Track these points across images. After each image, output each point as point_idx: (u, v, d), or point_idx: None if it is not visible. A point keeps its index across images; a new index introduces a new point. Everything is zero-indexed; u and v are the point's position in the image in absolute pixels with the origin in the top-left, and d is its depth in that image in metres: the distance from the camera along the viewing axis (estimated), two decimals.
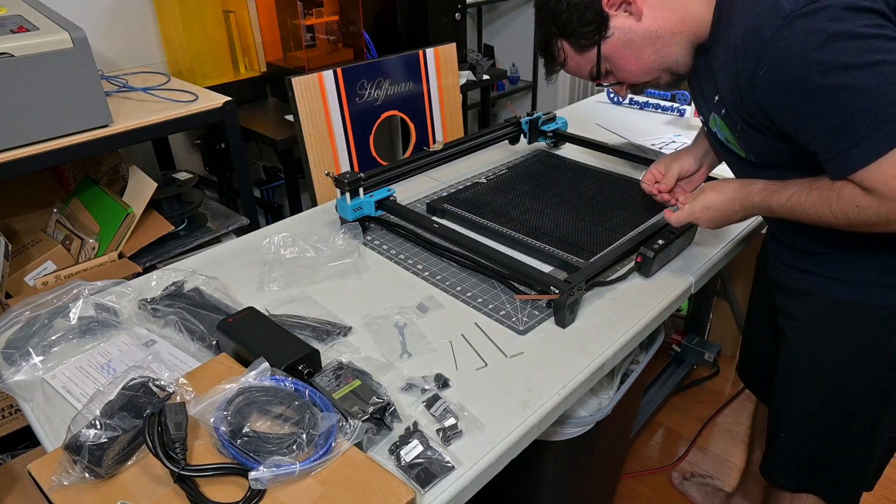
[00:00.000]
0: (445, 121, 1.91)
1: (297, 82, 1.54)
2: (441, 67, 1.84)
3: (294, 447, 0.72)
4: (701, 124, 1.26)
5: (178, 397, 0.79)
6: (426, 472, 0.76)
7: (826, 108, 0.80)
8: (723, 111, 0.97)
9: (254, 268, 1.19)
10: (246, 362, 0.86)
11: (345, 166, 1.69)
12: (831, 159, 0.83)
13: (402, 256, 1.22)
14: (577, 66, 1.05)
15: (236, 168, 1.84)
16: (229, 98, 1.73)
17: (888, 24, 0.78)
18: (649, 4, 0.96)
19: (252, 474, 0.69)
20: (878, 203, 0.81)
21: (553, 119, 1.68)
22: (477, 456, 0.80)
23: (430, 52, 1.80)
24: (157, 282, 1.13)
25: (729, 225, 1.08)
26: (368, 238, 1.29)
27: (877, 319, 0.99)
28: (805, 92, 0.81)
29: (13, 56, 1.34)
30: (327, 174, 1.33)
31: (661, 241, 1.13)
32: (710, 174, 1.25)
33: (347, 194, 1.25)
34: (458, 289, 1.12)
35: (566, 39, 1.02)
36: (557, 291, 1.00)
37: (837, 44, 0.77)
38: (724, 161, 1.11)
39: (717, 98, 0.98)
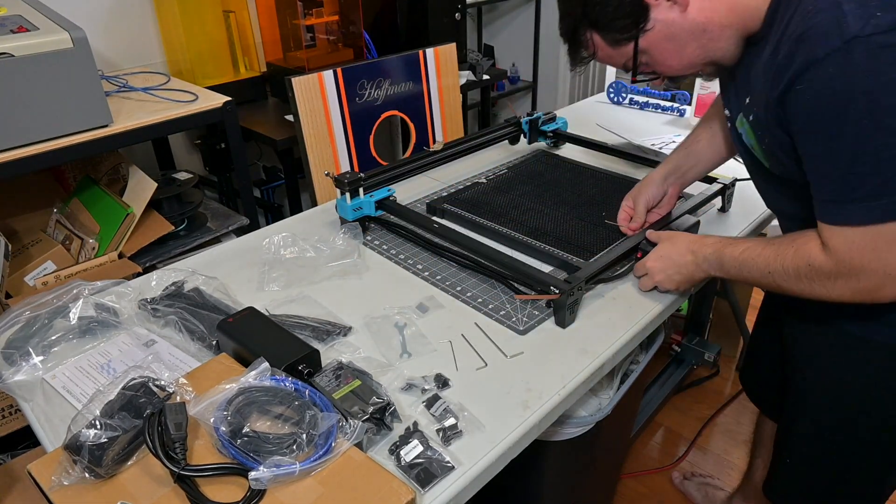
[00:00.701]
0: (445, 121, 1.91)
1: (297, 82, 1.54)
2: (441, 67, 1.84)
3: (294, 447, 0.72)
4: (691, 129, 1.26)
5: (178, 397, 0.79)
6: (426, 472, 0.76)
7: (850, 152, 0.74)
8: (751, 117, 0.90)
9: (254, 268, 1.19)
10: (246, 362, 0.86)
11: (345, 166, 1.69)
12: (828, 201, 0.79)
13: (402, 256, 1.22)
14: (609, 58, 0.95)
15: (236, 168, 1.84)
16: (229, 98, 1.73)
17: None
18: None
19: (252, 474, 0.69)
20: (831, 266, 0.80)
21: (553, 119, 1.68)
22: (477, 456, 0.80)
23: (430, 52, 1.80)
24: (157, 282, 1.13)
25: (686, 283, 1.05)
26: (368, 238, 1.29)
27: (888, 360, 0.95)
28: (837, 130, 0.74)
29: (13, 56, 1.34)
30: (327, 174, 1.33)
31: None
32: (714, 175, 1.25)
33: (347, 194, 1.25)
34: (458, 289, 1.12)
35: (598, 31, 0.91)
36: (557, 291, 1.00)
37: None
38: (746, 166, 1.03)
39: (748, 100, 0.91)
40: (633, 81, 0.99)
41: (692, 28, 0.87)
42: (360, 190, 1.27)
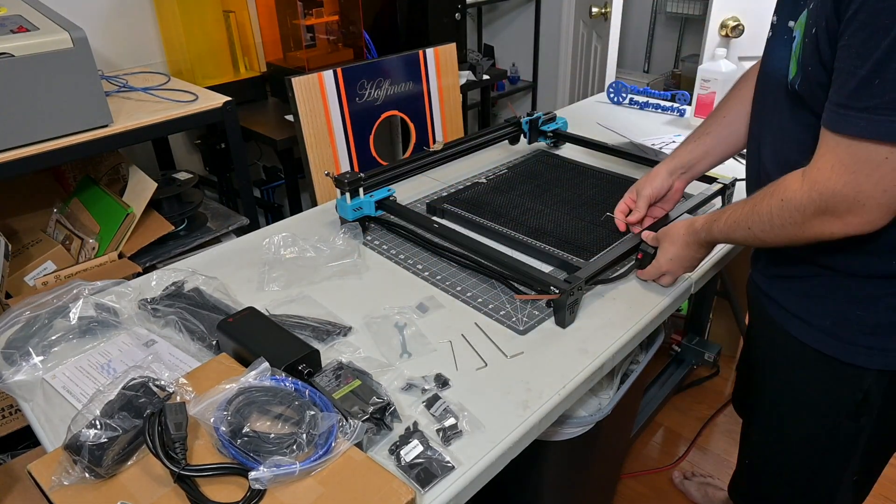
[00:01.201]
0: (445, 121, 1.91)
1: (297, 82, 1.54)
2: (441, 67, 1.84)
3: (294, 447, 0.72)
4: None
5: (178, 397, 0.79)
6: (426, 472, 0.76)
7: (887, 50, 0.69)
8: (812, 4, 0.82)
9: (254, 268, 1.19)
10: (246, 362, 0.86)
11: (345, 166, 1.69)
12: (841, 104, 0.74)
13: (402, 256, 1.22)
14: None
15: (236, 168, 1.84)
16: (229, 98, 1.73)
17: None
18: None
19: (252, 474, 0.69)
20: (802, 196, 0.79)
21: (553, 119, 1.68)
22: (477, 456, 0.80)
23: (430, 52, 1.80)
24: (157, 282, 1.13)
25: (695, 265, 1.09)
26: (368, 238, 1.29)
27: (829, 369, 0.94)
28: (889, 21, 0.69)
29: (13, 56, 1.33)
30: (327, 174, 1.33)
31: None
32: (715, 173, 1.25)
33: (347, 194, 1.25)
34: (458, 289, 1.12)
35: None
36: (557, 291, 1.00)
37: None
38: (759, 104, 1.00)
39: None
40: None
41: None
42: (360, 190, 1.27)
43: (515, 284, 1.10)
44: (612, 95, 2.06)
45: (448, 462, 0.78)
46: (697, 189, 1.33)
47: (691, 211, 1.25)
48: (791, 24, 0.89)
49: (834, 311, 0.92)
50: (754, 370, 1.12)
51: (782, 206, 0.82)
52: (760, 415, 1.12)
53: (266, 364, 0.81)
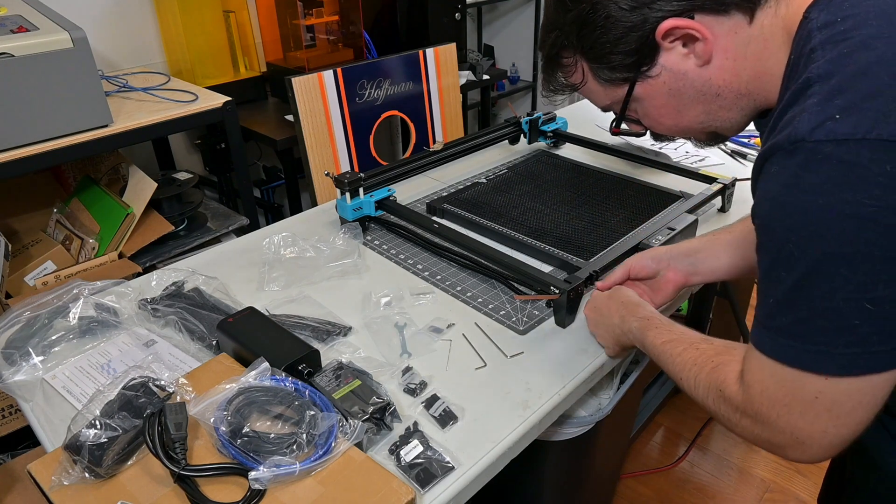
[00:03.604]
0: (445, 121, 1.91)
1: (297, 82, 1.54)
2: (441, 67, 1.84)
3: (294, 447, 0.72)
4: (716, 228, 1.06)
5: (178, 397, 0.79)
6: (426, 472, 0.76)
7: (766, 271, 0.61)
8: None
9: (254, 268, 1.19)
10: (246, 362, 0.86)
11: (345, 166, 1.69)
12: (757, 318, 0.63)
13: (402, 256, 1.22)
14: (591, 93, 0.78)
15: (236, 168, 1.84)
16: (229, 98, 1.73)
17: None
18: (723, 48, 0.67)
19: (252, 474, 0.69)
20: (739, 401, 0.65)
21: (553, 119, 1.68)
22: (477, 456, 0.80)
23: (430, 52, 1.80)
24: (157, 282, 1.13)
25: (614, 346, 0.93)
26: (368, 238, 1.29)
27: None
28: (765, 239, 0.60)
29: (13, 56, 1.33)
30: (327, 174, 1.33)
31: (660, 237, 1.13)
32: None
33: (347, 194, 1.25)
34: (458, 289, 1.12)
35: (588, 60, 0.73)
36: (557, 291, 1.00)
37: (839, 222, 0.53)
38: None
39: None
40: (615, 132, 0.82)
41: (704, 88, 0.70)
42: (360, 190, 1.27)
43: (515, 284, 1.10)
44: None
45: (448, 462, 0.78)
46: (697, 189, 1.33)
47: (691, 210, 1.25)
48: None
49: None
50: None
51: (719, 396, 0.68)
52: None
53: (266, 364, 0.81)
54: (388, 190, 1.31)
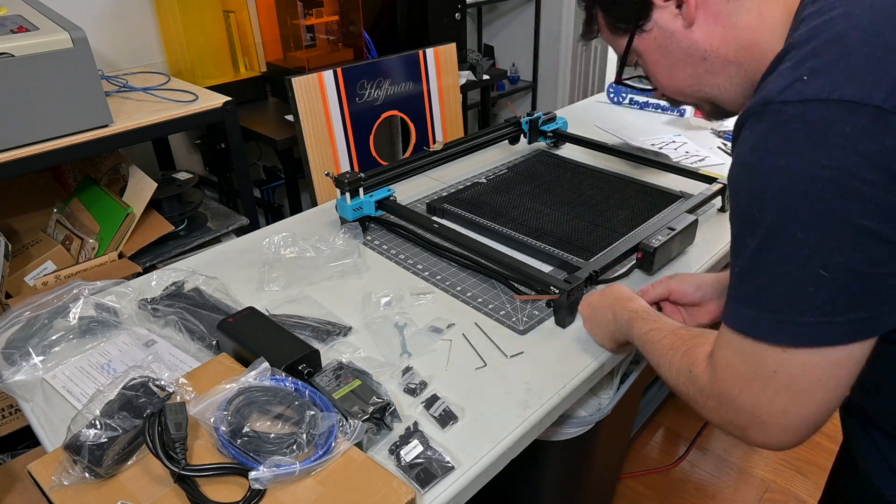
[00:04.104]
0: (445, 121, 1.91)
1: (297, 82, 1.54)
2: (441, 67, 1.84)
3: (294, 447, 0.72)
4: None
5: (178, 397, 0.79)
6: (426, 472, 0.76)
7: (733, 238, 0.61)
8: None
9: (254, 268, 1.19)
10: (246, 362, 0.86)
11: (345, 166, 1.69)
12: (729, 291, 0.63)
13: (402, 256, 1.22)
14: (609, 41, 0.83)
15: (236, 168, 1.84)
16: (229, 98, 1.73)
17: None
18: (707, 12, 0.70)
19: (252, 474, 0.69)
20: (705, 381, 0.65)
21: (553, 119, 1.68)
22: (477, 456, 0.80)
23: (430, 52, 1.80)
24: (157, 282, 1.13)
25: (609, 342, 0.95)
26: (368, 238, 1.29)
27: None
28: (736, 205, 0.60)
29: (13, 56, 1.34)
30: (327, 174, 1.33)
31: (660, 237, 1.13)
32: None
33: (347, 194, 1.25)
34: (458, 289, 1.12)
35: (601, 9, 0.81)
36: (557, 291, 1.00)
37: (802, 185, 0.52)
38: None
39: None
40: (617, 81, 0.87)
41: (690, 49, 0.72)
42: (360, 190, 1.28)
43: (515, 284, 1.10)
44: (611, 95, 2.06)
45: (448, 462, 0.78)
46: (697, 189, 1.33)
47: (691, 210, 1.25)
48: None
49: None
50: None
51: (689, 378, 0.69)
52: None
53: (266, 364, 0.81)
54: (388, 190, 1.31)
